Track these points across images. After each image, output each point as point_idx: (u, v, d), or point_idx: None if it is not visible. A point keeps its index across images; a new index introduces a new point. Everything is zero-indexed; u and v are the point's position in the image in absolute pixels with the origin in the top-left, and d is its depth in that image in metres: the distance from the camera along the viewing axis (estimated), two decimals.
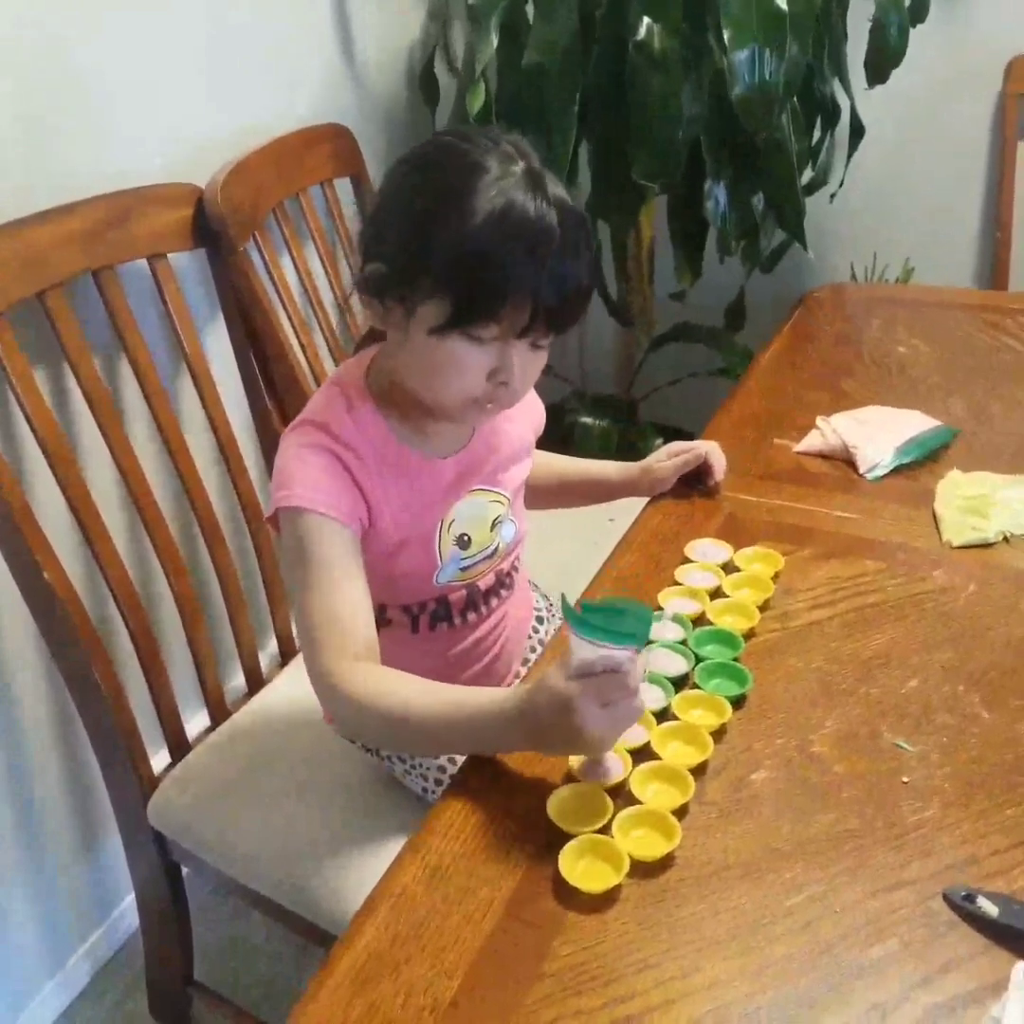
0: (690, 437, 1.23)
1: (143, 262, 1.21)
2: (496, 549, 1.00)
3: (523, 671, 1.10)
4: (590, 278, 0.83)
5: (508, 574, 1.05)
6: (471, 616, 1.02)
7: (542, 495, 1.15)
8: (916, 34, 1.73)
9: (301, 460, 0.88)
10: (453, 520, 0.96)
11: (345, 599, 0.85)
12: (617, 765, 0.79)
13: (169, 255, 1.24)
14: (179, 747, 1.22)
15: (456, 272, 0.79)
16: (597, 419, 2.05)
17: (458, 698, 0.79)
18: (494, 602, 1.04)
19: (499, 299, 0.79)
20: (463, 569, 0.98)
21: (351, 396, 0.92)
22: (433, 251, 0.80)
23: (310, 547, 0.86)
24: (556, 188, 0.83)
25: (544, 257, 0.79)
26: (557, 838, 0.74)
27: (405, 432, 0.93)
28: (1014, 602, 0.98)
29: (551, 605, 1.23)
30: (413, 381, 0.89)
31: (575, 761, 0.79)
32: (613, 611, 0.74)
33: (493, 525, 0.99)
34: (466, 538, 0.97)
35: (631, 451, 1.92)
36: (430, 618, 1.00)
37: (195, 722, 1.27)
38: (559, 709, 0.71)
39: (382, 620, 0.99)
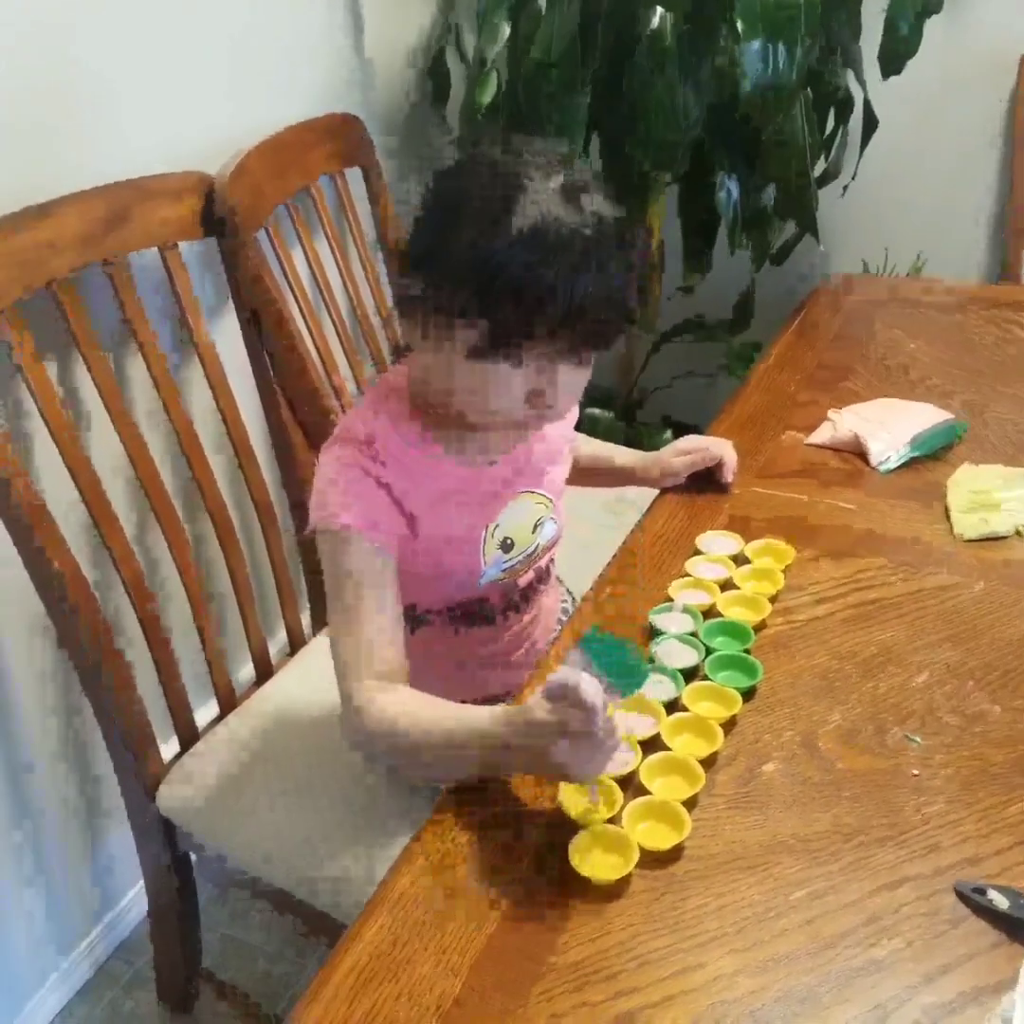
0: (697, 431, 1.23)
1: (153, 251, 1.21)
2: (536, 548, 1.00)
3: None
4: (632, 292, 0.82)
5: (546, 570, 1.05)
6: (511, 614, 1.03)
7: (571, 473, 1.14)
8: (930, 27, 1.72)
9: (338, 479, 0.88)
10: (498, 525, 0.96)
11: (374, 623, 0.85)
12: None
13: (179, 244, 1.24)
14: (188, 737, 1.23)
15: (492, 293, 0.77)
16: (604, 412, 2.05)
17: (455, 726, 0.79)
18: (531, 598, 1.04)
19: (536, 320, 0.77)
20: (504, 570, 0.98)
21: (392, 409, 0.91)
22: (469, 272, 0.78)
23: (343, 569, 0.86)
24: (597, 200, 0.80)
25: (581, 276, 0.76)
26: (561, 834, 0.74)
27: (448, 442, 0.92)
28: (1023, 598, 0.98)
29: (574, 598, 1.23)
30: (452, 401, 0.87)
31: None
32: (619, 648, 0.73)
33: (535, 527, 0.99)
34: (509, 542, 0.97)
35: (637, 446, 1.92)
36: (470, 618, 1.01)
37: (204, 712, 1.27)
38: (530, 733, 0.72)
39: (421, 620, 1.00)
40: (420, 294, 0.82)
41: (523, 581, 1.01)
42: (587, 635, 0.73)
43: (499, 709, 0.77)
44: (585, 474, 1.19)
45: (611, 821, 0.75)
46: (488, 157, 0.82)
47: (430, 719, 0.81)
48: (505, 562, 0.97)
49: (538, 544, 1.00)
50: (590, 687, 0.68)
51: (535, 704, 0.71)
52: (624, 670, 0.72)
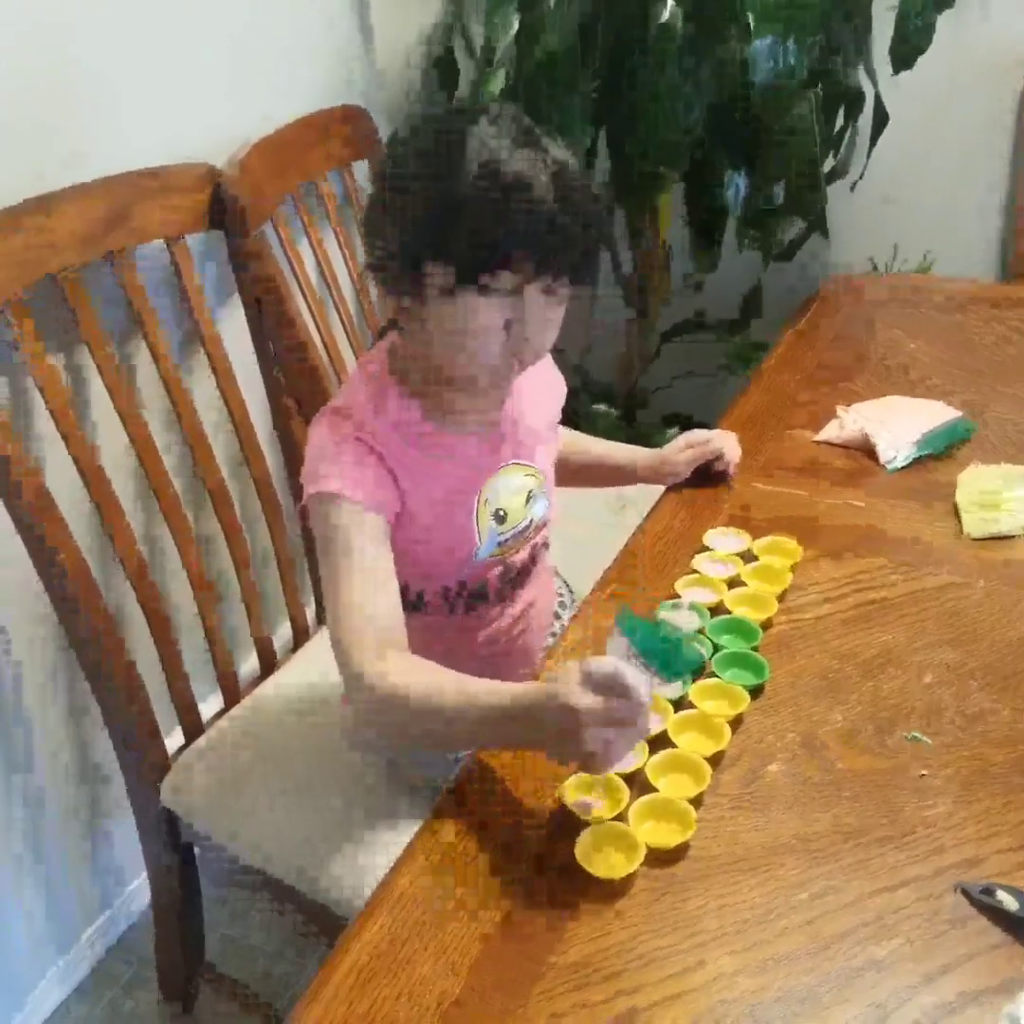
0: (703, 428, 1.22)
1: (159, 244, 1.21)
2: (530, 523, 1.00)
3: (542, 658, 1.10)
4: (597, 228, 0.83)
5: (540, 549, 1.05)
6: (507, 591, 1.03)
7: (566, 472, 1.14)
8: (942, 22, 1.71)
9: (328, 449, 0.89)
10: (488, 497, 0.96)
11: (370, 585, 0.85)
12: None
13: (186, 237, 1.24)
14: (192, 729, 1.23)
15: (455, 228, 0.79)
16: (608, 408, 2.04)
17: (472, 690, 0.78)
18: (527, 580, 1.04)
19: (499, 248, 0.79)
20: (500, 544, 0.98)
21: (376, 382, 0.93)
22: (430, 213, 0.80)
23: (336, 534, 0.86)
24: (554, 148, 0.82)
25: (540, 204, 0.78)
26: (561, 834, 0.74)
27: (433, 412, 0.93)
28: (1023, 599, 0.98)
29: (571, 592, 1.23)
30: (434, 354, 0.89)
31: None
32: (669, 639, 0.73)
33: (527, 500, 1.00)
34: (502, 513, 0.97)
35: (641, 443, 1.91)
36: (468, 599, 1.01)
37: (208, 704, 1.27)
38: (565, 717, 0.70)
39: (419, 605, 0.99)
40: (387, 251, 0.85)
41: (518, 560, 1.01)
42: (622, 617, 0.73)
43: (528, 684, 0.77)
44: (582, 473, 1.19)
45: (617, 818, 0.74)
46: (438, 114, 0.86)
47: (447, 684, 0.79)
48: (499, 535, 0.97)
49: (531, 520, 1.00)
50: (638, 679, 0.69)
51: (574, 689, 0.70)
52: (666, 656, 0.72)
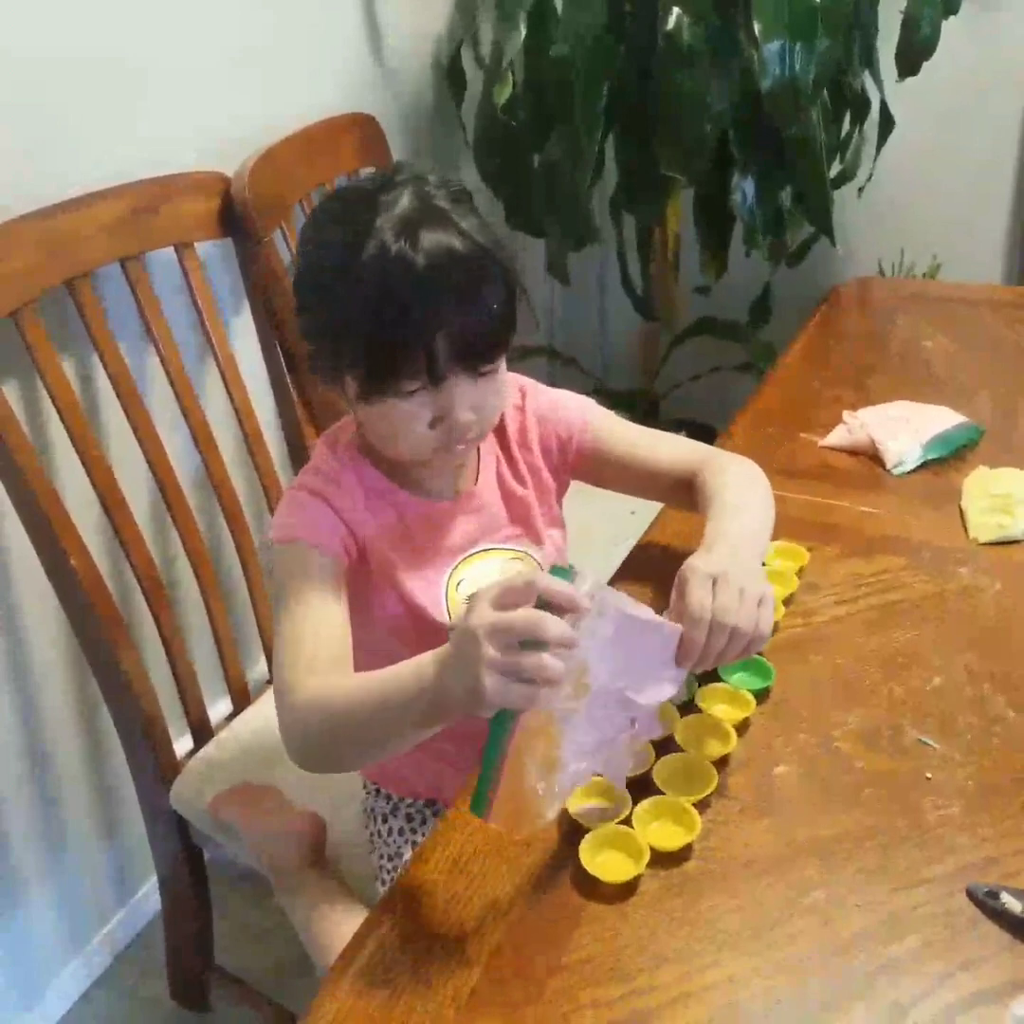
0: (713, 432, 1.23)
1: (170, 251, 1.21)
2: None
3: None
4: (500, 303, 0.80)
5: None
6: None
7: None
8: (948, 27, 1.71)
9: (291, 500, 0.89)
10: (462, 580, 0.92)
11: (316, 619, 0.82)
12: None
13: (196, 244, 1.25)
14: (202, 733, 1.23)
15: (354, 338, 0.79)
16: (619, 413, 2.04)
17: (387, 674, 0.71)
18: None
19: (400, 354, 0.78)
20: None
21: (340, 447, 0.92)
22: (332, 327, 0.81)
23: (285, 573, 0.84)
24: (465, 219, 0.79)
25: (446, 299, 0.77)
26: (576, 830, 0.74)
27: (396, 476, 0.91)
28: None
29: None
30: (374, 442, 0.88)
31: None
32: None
33: None
34: None
35: None
36: None
37: (217, 708, 1.28)
38: (461, 640, 0.63)
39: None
40: (311, 350, 0.85)
41: None
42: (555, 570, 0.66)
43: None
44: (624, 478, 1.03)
45: (624, 822, 0.75)
46: (335, 207, 0.84)
47: (361, 678, 0.75)
48: None
49: None
50: (541, 584, 0.62)
51: (471, 608, 0.64)
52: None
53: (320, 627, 0.81)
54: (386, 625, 0.90)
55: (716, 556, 0.82)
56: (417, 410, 0.82)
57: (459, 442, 0.84)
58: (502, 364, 0.85)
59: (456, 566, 0.93)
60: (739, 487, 0.94)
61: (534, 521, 0.97)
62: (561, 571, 0.65)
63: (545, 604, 0.63)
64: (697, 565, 0.80)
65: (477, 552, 0.94)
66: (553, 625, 0.61)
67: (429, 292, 0.77)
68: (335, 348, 0.82)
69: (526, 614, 0.61)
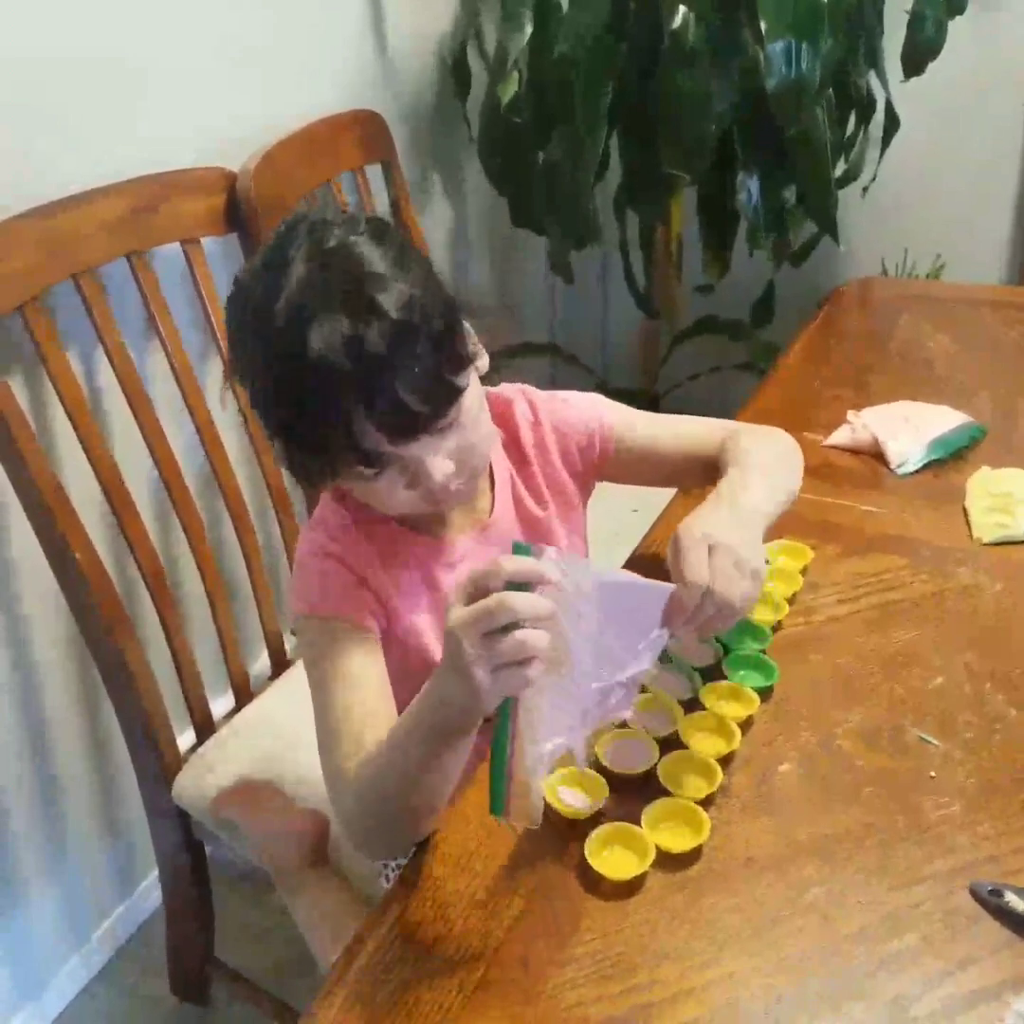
0: None
1: (176, 246, 1.22)
2: None
3: None
4: (428, 364, 0.71)
5: None
6: None
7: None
8: (953, 27, 1.71)
9: (308, 567, 0.85)
10: None
11: (356, 698, 0.78)
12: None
13: (201, 240, 1.25)
14: (204, 728, 1.24)
15: (287, 440, 0.75)
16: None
17: (402, 717, 0.72)
18: None
19: (336, 450, 0.73)
20: None
21: (348, 498, 0.86)
22: (268, 423, 0.76)
23: (316, 651, 0.81)
24: (333, 311, 0.69)
25: (332, 396, 0.70)
26: (583, 826, 0.74)
27: (408, 519, 0.86)
28: None
29: None
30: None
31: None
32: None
33: None
34: None
35: None
36: None
37: (219, 704, 1.28)
38: (447, 645, 0.63)
39: None
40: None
41: None
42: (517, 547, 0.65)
43: None
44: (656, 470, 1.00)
45: (628, 819, 0.75)
46: (240, 292, 0.75)
47: (388, 736, 0.73)
48: None
49: None
50: (508, 565, 0.61)
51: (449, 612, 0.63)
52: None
53: (361, 705, 0.78)
54: (411, 670, 0.85)
55: (714, 518, 0.79)
56: (385, 485, 0.77)
57: (447, 497, 0.79)
58: (467, 401, 0.76)
59: None
60: (758, 451, 0.91)
61: (556, 543, 0.93)
62: (522, 549, 0.64)
63: (516, 586, 0.61)
64: (693, 528, 0.77)
65: None
66: (519, 600, 0.60)
67: (329, 387, 0.69)
68: (278, 443, 0.77)
69: (492, 599, 0.60)
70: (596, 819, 0.76)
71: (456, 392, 0.74)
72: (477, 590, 0.62)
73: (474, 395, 0.78)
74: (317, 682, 0.80)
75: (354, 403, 0.70)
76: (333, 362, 0.68)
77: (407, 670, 0.85)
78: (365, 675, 0.80)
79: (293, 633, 0.86)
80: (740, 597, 0.76)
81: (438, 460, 0.75)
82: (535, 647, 0.60)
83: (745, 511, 0.83)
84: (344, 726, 0.77)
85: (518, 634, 0.60)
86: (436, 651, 0.86)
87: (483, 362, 0.80)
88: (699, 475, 0.96)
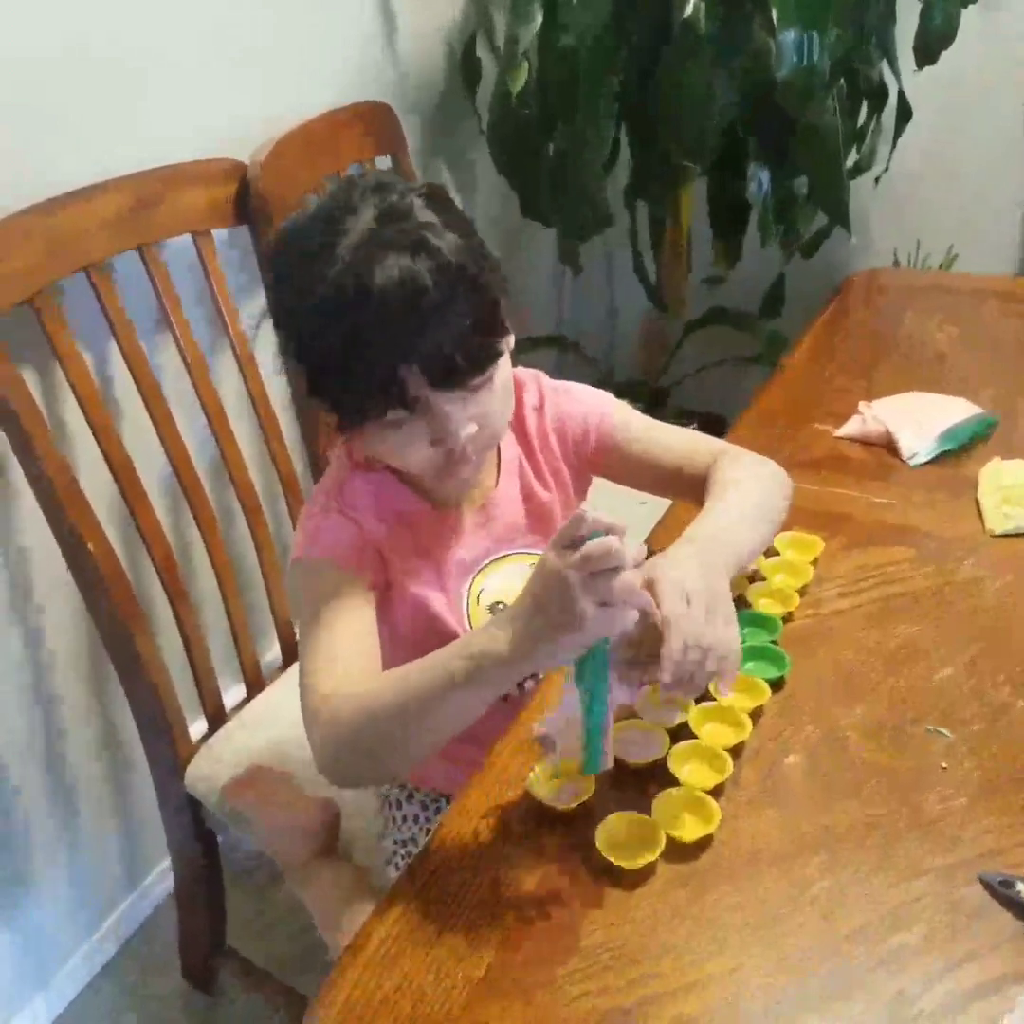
0: (723, 422, 1.22)
1: (186, 238, 1.22)
2: None
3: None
4: (475, 318, 0.75)
5: None
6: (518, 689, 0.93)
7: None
8: (965, 18, 1.70)
9: (311, 520, 0.87)
10: (482, 589, 0.91)
11: (348, 636, 0.80)
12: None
13: (212, 231, 1.25)
14: (216, 717, 1.24)
15: (329, 377, 0.77)
16: (629, 403, 2.05)
17: (424, 658, 0.72)
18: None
19: (365, 388, 0.76)
20: None
21: (356, 457, 0.90)
22: (306, 363, 0.79)
23: (313, 594, 0.83)
24: (400, 253, 0.73)
25: (391, 331, 0.73)
26: (586, 819, 0.75)
27: (413, 481, 0.89)
28: None
29: None
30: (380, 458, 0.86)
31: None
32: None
33: None
34: (502, 607, 0.90)
35: None
36: None
37: (231, 694, 1.29)
38: (554, 585, 0.64)
39: None
40: (299, 380, 0.82)
41: None
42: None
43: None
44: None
45: (638, 809, 0.75)
46: (295, 235, 0.79)
47: (399, 670, 0.74)
48: None
49: None
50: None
51: (549, 554, 0.65)
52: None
53: (353, 643, 0.80)
54: (410, 640, 0.88)
55: (687, 564, 0.78)
56: (409, 437, 0.79)
57: (465, 460, 0.81)
58: (499, 369, 0.81)
59: (475, 576, 0.92)
60: (741, 482, 0.91)
61: (556, 525, 0.94)
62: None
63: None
64: (667, 572, 0.76)
65: (495, 560, 0.93)
66: (626, 549, 0.64)
67: (387, 323, 0.73)
68: (310, 381, 0.80)
69: (599, 542, 0.63)
70: (606, 806, 0.76)
71: (496, 353, 0.79)
72: (575, 540, 0.64)
73: (506, 367, 0.82)
74: (312, 626, 0.81)
75: (406, 339, 0.74)
76: (394, 297, 0.72)
77: (396, 636, 0.88)
78: (360, 620, 0.82)
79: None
80: (721, 643, 0.74)
81: (465, 419, 0.79)
82: (635, 592, 0.65)
83: (716, 549, 0.82)
84: (335, 662, 0.78)
85: (626, 574, 0.64)
86: (424, 609, 0.88)
87: (512, 340, 0.84)
88: (684, 490, 0.97)
